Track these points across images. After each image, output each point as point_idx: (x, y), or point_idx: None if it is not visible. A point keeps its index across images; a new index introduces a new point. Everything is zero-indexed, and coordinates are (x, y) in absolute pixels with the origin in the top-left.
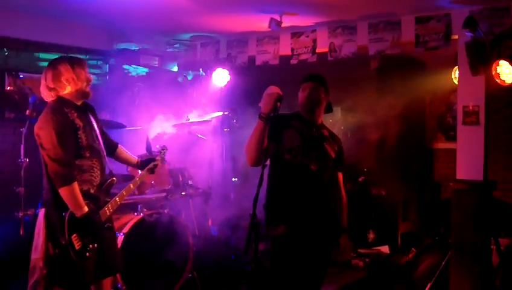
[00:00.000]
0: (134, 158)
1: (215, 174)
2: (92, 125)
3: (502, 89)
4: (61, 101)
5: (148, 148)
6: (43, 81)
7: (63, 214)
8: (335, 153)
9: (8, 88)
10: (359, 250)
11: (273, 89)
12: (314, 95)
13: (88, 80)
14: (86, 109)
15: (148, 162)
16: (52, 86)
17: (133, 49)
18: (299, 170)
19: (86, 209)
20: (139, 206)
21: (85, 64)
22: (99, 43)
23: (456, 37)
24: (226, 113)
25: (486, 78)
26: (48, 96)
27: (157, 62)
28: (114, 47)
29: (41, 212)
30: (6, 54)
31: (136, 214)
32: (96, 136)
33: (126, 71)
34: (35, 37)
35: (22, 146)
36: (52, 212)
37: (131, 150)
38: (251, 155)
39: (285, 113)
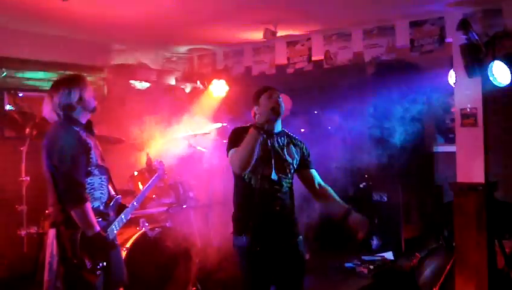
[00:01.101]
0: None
1: (215, 185)
2: (97, 143)
3: (498, 89)
4: (70, 120)
5: (149, 164)
6: (48, 105)
7: (74, 235)
8: (297, 157)
9: (8, 107)
10: (363, 257)
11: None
12: (280, 102)
13: (94, 96)
14: (90, 127)
15: (121, 208)
16: (61, 111)
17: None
18: (260, 181)
19: (98, 228)
20: (141, 220)
21: (86, 81)
22: (97, 59)
23: (451, 39)
24: (224, 124)
25: (483, 79)
26: (54, 118)
27: (154, 76)
28: (112, 62)
29: (52, 233)
30: (5, 73)
31: (138, 228)
32: (101, 154)
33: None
34: (34, 56)
35: (23, 164)
36: (64, 232)
37: (129, 165)
38: (243, 163)
39: (244, 126)
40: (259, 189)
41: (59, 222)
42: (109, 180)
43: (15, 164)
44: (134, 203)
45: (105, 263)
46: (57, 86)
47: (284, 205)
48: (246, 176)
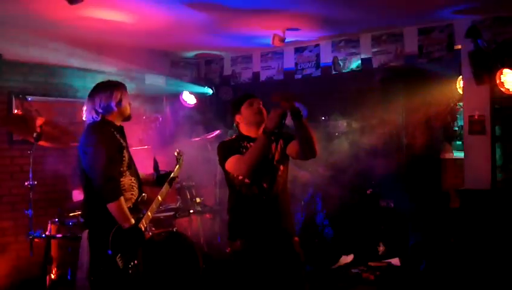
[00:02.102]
0: (149, 176)
1: (222, 191)
2: (128, 146)
3: (507, 97)
4: (105, 121)
5: (156, 168)
6: (90, 104)
7: (106, 235)
8: (282, 149)
9: (16, 111)
10: (369, 263)
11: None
12: (261, 109)
13: (130, 104)
14: (123, 131)
15: (165, 176)
16: (101, 110)
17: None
18: (250, 187)
19: (133, 221)
20: (148, 225)
21: (126, 89)
22: (105, 64)
23: (459, 46)
24: (231, 130)
25: (491, 87)
26: (92, 118)
27: (162, 82)
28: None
29: (85, 233)
30: (14, 77)
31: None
32: (132, 156)
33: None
34: (42, 60)
35: (30, 168)
36: (95, 233)
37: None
38: (251, 169)
39: (230, 139)
40: (250, 195)
41: (91, 222)
42: (139, 180)
43: (22, 168)
44: (159, 197)
45: (136, 261)
46: (99, 87)
47: (276, 208)
48: (237, 183)
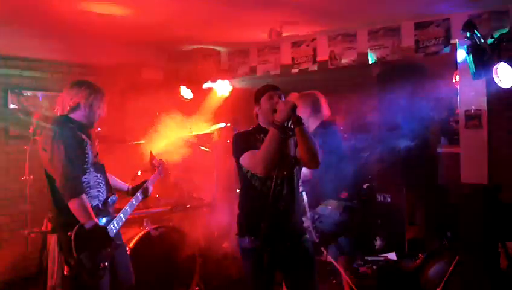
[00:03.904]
0: (124, 185)
1: (219, 185)
2: (94, 144)
3: (503, 91)
4: (67, 118)
5: (152, 161)
6: (63, 96)
7: (69, 233)
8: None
9: (12, 106)
10: (366, 257)
11: (291, 97)
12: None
13: (100, 115)
14: (87, 130)
15: (139, 188)
16: (70, 103)
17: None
18: (263, 181)
19: (96, 220)
20: (145, 220)
21: (105, 99)
22: (102, 58)
23: (456, 41)
24: (228, 124)
25: (487, 81)
26: (60, 110)
27: (160, 76)
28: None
29: (53, 239)
30: (9, 72)
31: (141, 227)
32: (97, 153)
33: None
34: (38, 55)
35: (26, 163)
36: (61, 235)
37: (133, 165)
38: (267, 164)
39: (246, 130)
40: (262, 189)
41: (57, 226)
42: (106, 178)
43: (19, 163)
44: (133, 201)
45: (106, 264)
46: (82, 83)
47: (288, 204)
48: (250, 177)
